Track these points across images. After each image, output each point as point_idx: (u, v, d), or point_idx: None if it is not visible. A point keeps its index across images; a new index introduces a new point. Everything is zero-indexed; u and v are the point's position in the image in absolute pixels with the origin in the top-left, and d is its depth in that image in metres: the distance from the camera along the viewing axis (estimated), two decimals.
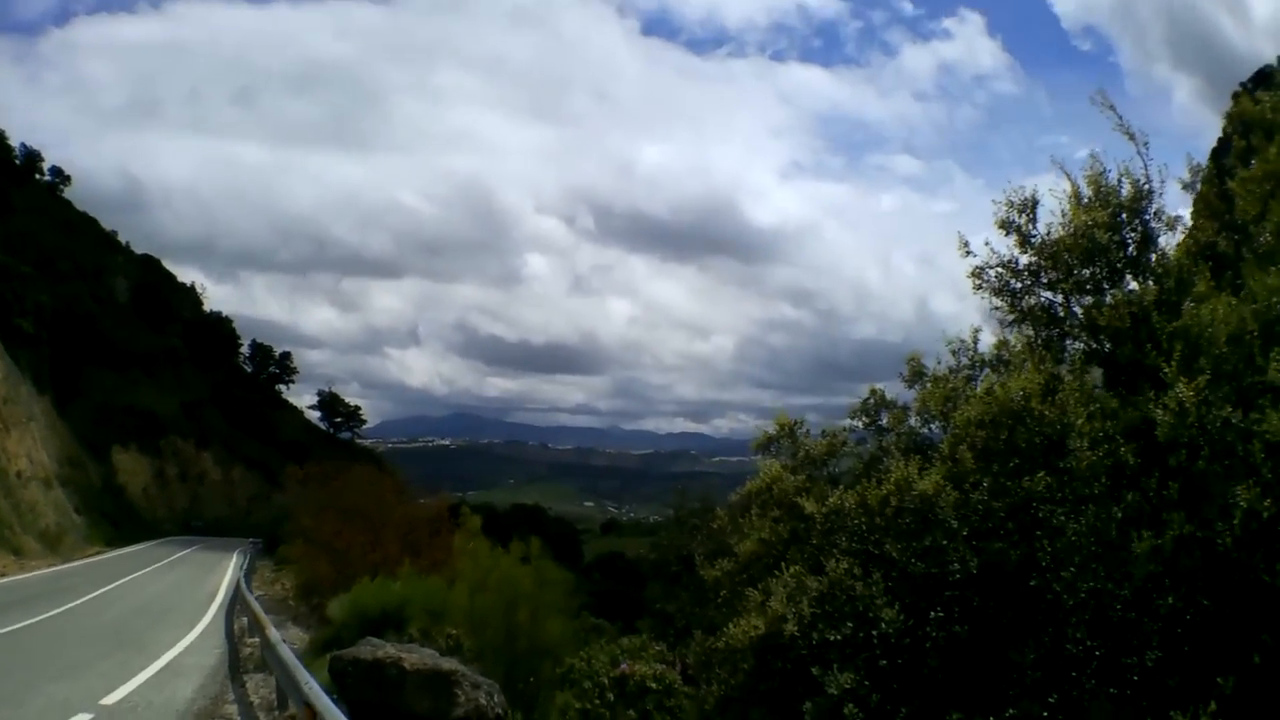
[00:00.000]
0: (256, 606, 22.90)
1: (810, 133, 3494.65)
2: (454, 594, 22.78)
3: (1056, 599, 12.07)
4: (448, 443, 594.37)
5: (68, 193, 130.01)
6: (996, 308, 15.84)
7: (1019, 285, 15.53)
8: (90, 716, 14.36)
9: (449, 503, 41.53)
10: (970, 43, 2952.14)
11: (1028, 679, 12.01)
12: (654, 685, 16.94)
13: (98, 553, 59.78)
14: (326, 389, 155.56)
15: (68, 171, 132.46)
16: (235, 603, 30.20)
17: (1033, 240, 15.33)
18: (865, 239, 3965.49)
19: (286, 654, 13.89)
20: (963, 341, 17.46)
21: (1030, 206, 15.46)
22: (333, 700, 10.74)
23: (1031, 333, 15.67)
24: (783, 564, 16.11)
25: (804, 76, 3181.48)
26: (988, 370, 16.77)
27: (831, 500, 15.83)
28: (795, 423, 19.07)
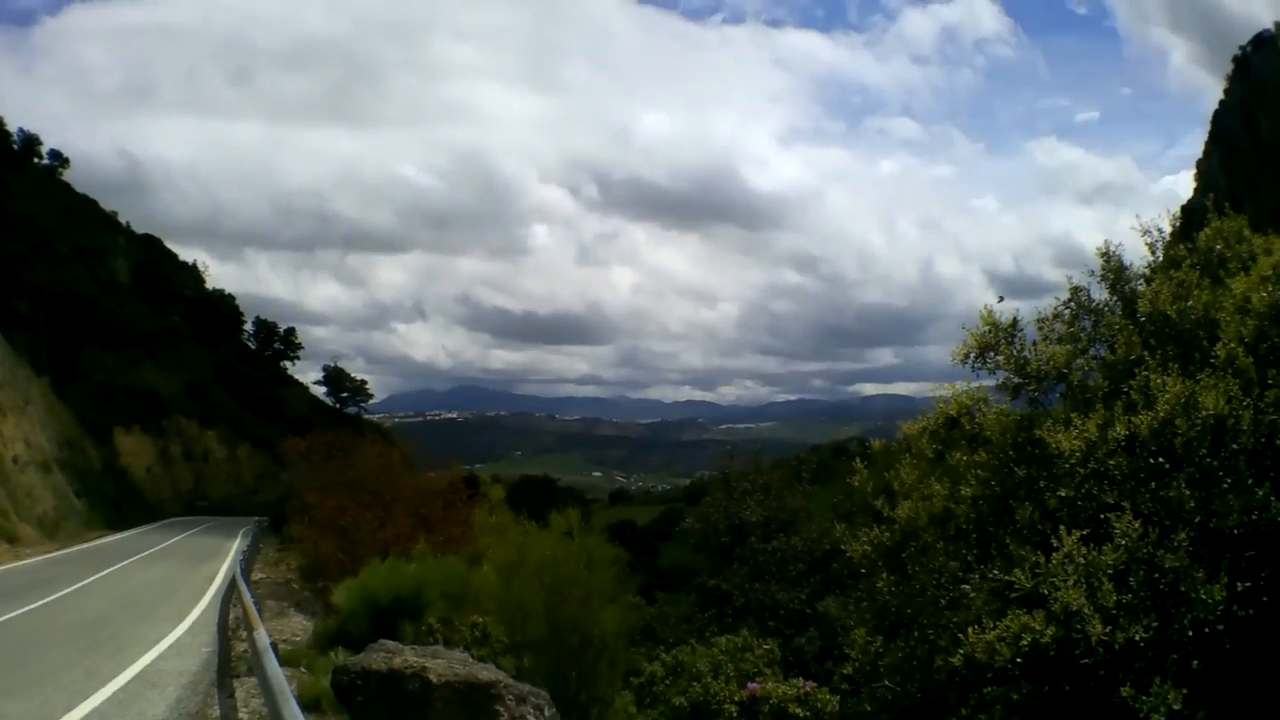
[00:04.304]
0: (248, 601, 19.91)
1: (809, 97, 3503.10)
2: (477, 575, 20.03)
3: None
4: (454, 416, 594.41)
5: (67, 175, 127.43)
6: None
7: None
8: None
9: (461, 474, 38.80)
10: (970, 5, 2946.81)
11: None
12: (798, 711, 13.30)
13: (97, 537, 57.05)
14: (332, 364, 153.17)
15: (67, 155, 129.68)
16: (233, 589, 27.23)
17: None
18: (867, 203, 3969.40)
19: (274, 670, 10.88)
20: (1159, 230, 14.26)
21: None
22: None
23: None
24: (997, 527, 12.33)
25: (801, 42, 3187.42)
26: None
27: (1086, 431, 12.07)
28: (1010, 323, 14.71)
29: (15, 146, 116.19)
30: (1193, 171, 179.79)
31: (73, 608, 25.08)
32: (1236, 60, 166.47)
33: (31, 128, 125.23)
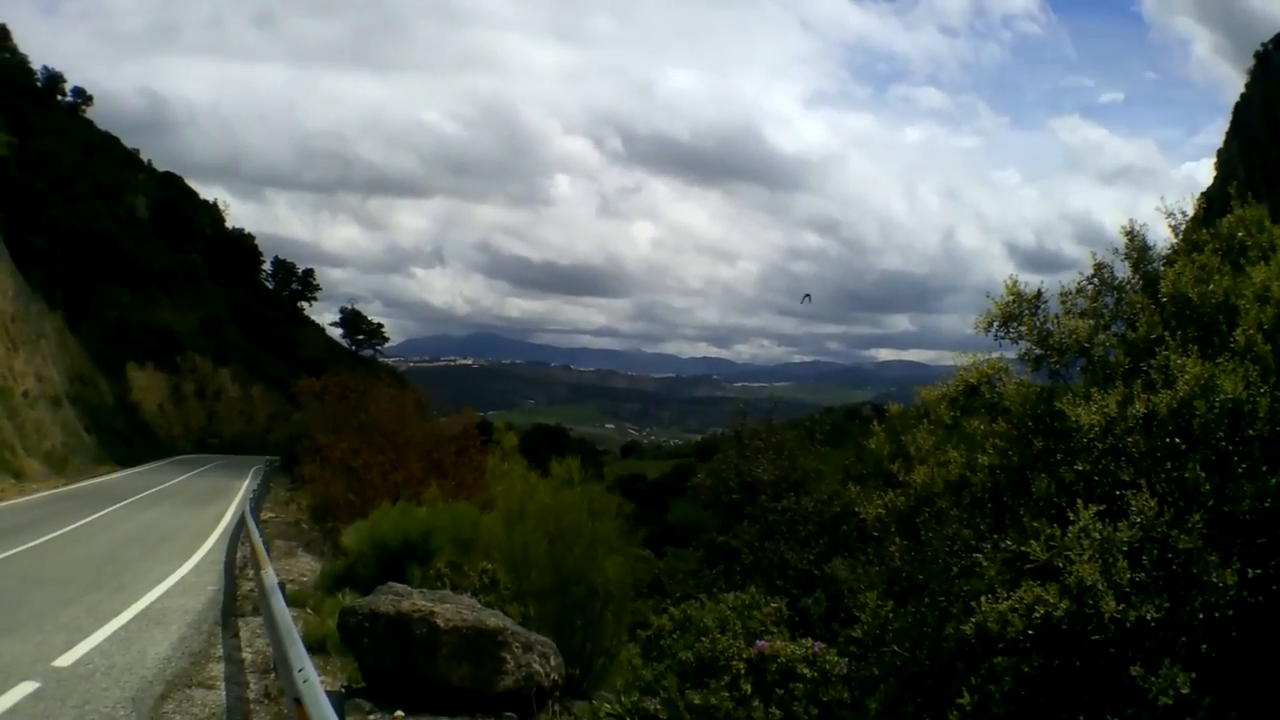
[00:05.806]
0: (257, 539, 19.64)
1: (835, 62, 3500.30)
2: (487, 522, 19.84)
3: None
4: (470, 362, 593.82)
5: (90, 113, 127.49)
6: None
7: None
8: (36, 686, 11.22)
9: (474, 420, 38.59)
10: None
11: None
12: (806, 671, 13.03)
13: (106, 473, 57.06)
14: (349, 306, 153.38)
15: (90, 93, 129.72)
16: (241, 528, 27.08)
17: None
18: (890, 169, 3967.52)
19: (281, 610, 10.68)
20: (1183, 213, 13.95)
21: None
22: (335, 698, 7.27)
23: None
24: (1010, 498, 12.13)
25: (830, 6, 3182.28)
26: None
27: (1105, 406, 11.84)
28: (1035, 294, 14.42)
29: (39, 84, 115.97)
30: (1214, 160, 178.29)
31: (77, 545, 24.93)
32: (1258, 56, 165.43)
33: (56, 66, 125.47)
